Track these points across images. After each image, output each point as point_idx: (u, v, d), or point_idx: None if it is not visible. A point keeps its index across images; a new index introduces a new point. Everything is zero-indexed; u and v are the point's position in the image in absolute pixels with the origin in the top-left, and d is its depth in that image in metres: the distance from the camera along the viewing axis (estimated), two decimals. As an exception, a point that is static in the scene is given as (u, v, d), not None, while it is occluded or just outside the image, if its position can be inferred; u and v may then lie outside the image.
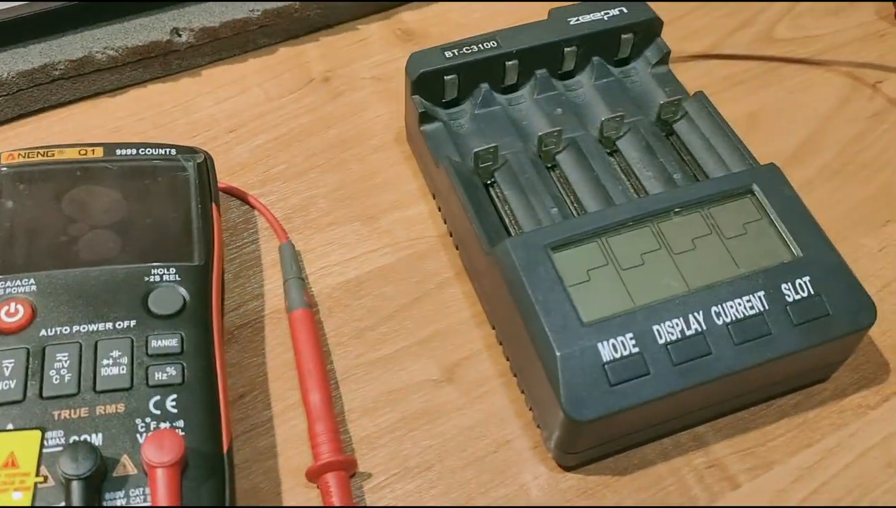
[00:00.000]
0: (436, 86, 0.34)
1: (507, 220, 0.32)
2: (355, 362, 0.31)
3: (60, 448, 0.24)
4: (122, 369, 0.26)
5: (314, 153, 0.38)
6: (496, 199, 0.32)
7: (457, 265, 0.34)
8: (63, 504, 0.23)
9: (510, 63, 0.34)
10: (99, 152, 0.31)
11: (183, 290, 0.28)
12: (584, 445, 0.28)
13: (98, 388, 0.25)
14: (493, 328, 0.31)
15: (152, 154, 0.32)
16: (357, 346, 0.32)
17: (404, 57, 0.40)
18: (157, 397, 0.25)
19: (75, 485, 0.23)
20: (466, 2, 0.44)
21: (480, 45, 0.34)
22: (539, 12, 0.36)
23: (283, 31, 0.42)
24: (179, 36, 0.39)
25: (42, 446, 0.24)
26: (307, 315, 0.31)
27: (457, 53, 0.34)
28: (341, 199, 0.36)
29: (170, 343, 0.26)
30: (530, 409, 0.29)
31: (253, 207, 0.35)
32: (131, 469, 0.24)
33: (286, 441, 0.29)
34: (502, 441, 0.29)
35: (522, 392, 0.30)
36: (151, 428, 0.25)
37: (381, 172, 0.37)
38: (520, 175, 0.32)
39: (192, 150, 0.33)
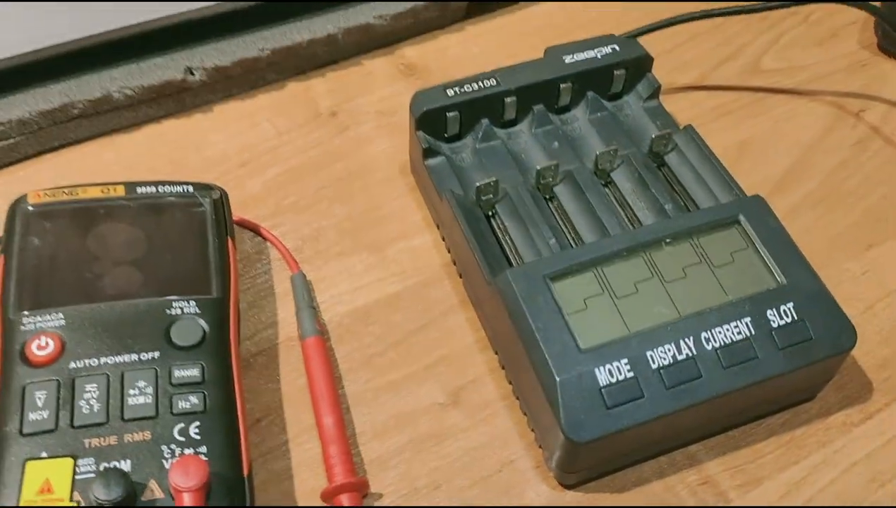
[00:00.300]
0: (438, 122, 0.36)
1: (507, 250, 0.33)
2: (365, 387, 0.33)
3: (92, 475, 0.26)
4: (148, 398, 0.27)
5: (323, 185, 0.39)
6: (497, 230, 0.34)
7: (460, 293, 0.35)
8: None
9: (509, 99, 0.36)
10: (120, 190, 0.33)
11: (203, 322, 0.29)
12: (583, 465, 0.29)
13: (125, 417, 0.27)
14: (496, 353, 0.33)
15: (171, 191, 0.33)
16: (366, 372, 0.33)
17: (407, 91, 0.42)
18: (182, 424, 0.27)
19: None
20: (465, 24, 0.46)
21: (480, 83, 0.36)
22: (534, 48, 0.38)
23: (291, 68, 0.43)
24: (193, 74, 0.41)
25: (74, 473, 0.26)
26: (319, 342, 0.33)
27: (458, 91, 0.36)
28: (349, 230, 0.38)
29: (192, 372, 0.28)
30: (532, 430, 0.31)
31: (265, 239, 0.37)
32: (159, 494, 0.26)
33: (301, 464, 0.31)
34: (506, 462, 0.31)
35: (525, 414, 0.31)
36: (177, 454, 0.26)
37: (387, 204, 0.39)
38: (519, 207, 0.34)
39: (208, 187, 0.34)
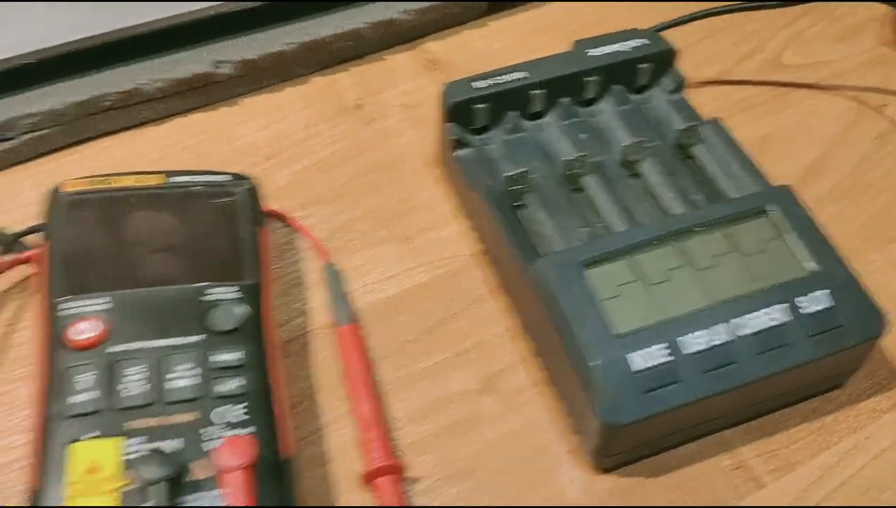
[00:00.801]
0: (467, 114, 0.36)
1: (538, 240, 0.34)
2: (398, 374, 0.33)
3: (139, 455, 0.26)
4: (191, 381, 0.28)
5: (350, 178, 0.40)
6: (527, 220, 0.34)
7: (491, 282, 0.36)
8: (144, 506, 0.25)
9: (537, 92, 0.37)
10: (156, 179, 0.33)
11: (242, 307, 0.30)
12: (618, 449, 0.30)
13: (170, 399, 0.27)
14: (529, 341, 0.33)
15: (205, 180, 0.34)
16: (399, 359, 0.33)
17: (431, 85, 0.43)
18: (225, 407, 0.27)
19: (154, 489, 0.25)
20: (494, 19, 0.46)
21: (509, 76, 0.37)
22: (555, 43, 0.39)
23: (317, 62, 0.44)
24: (221, 68, 0.41)
25: (121, 453, 0.26)
26: (354, 329, 0.33)
27: (487, 84, 0.37)
28: (378, 221, 0.38)
29: (233, 356, 0.28)
30: (567, 416, 0.31)
31: (295, 229, 0.37)
32: (204, 474, 0.26)
33: (336, 449, 0.31)
34: (540, 447, 0.31)
35: (559, 400, 0.32)
36: (221, 436, 0.27)
37: (415, 195, 0.39)
38: (549, 197, 0.34)
39: (240, 177, 0.35)
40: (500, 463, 0.31)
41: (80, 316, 0.29)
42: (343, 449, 0.31)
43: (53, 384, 0.27)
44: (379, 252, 0.37)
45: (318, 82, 0.44)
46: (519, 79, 0.37)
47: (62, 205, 0.32)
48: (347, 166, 0.40)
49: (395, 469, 0.29)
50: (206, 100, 0.42)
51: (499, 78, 0.37)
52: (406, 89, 0.44)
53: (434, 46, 0.46)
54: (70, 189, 0.32)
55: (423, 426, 0.31)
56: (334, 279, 0.35)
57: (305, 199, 0.39)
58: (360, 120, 0.42)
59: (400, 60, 0.45)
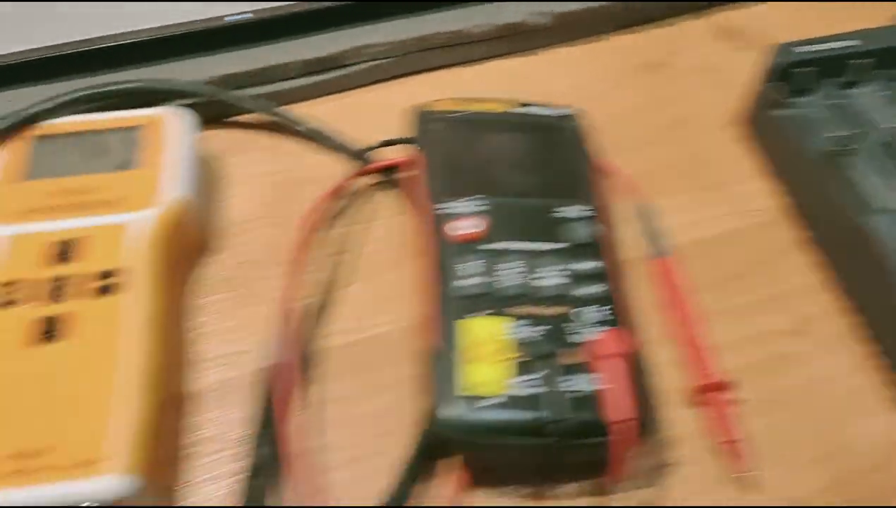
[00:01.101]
0: (786, 77, 0.38)
1: (866, 199, 0.35)
2: (708, 309, 0.35)
3: (522, 335, 0.30)
4: (559, 280, 0.31)
5: (649, 131, 0.42)
6: (851, 180, 0.36)
7: (799, 236, 0.37)
8: (536, 376, 0.29)
9: (863, 61, 0.38)
10: (508, 106, 0.37)
11: (596, 224, 0.33)
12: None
13: (539, 295, 0.31)
14: (842, 293, 0.35)
15: (550, 112, 0.37)
16: (709, 296, 0.36)
17: (724, 51, 0.45)
18: (590, 307, 0.31)
19: (542, 362, 0.29)
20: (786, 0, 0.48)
21: (835, 44, 0.38)
22: (851, 20, 0.40)
23: (619, 22, 0.47)
24: (536, 19, 0.45)
25: (506, 332, 0.30)
26: (672, 261, 0.36)
27: (812, 49, 0.38)
28: (681, 172, 0.40)
29: (593, 265, 0.32)
30: (889, 367, 0.33)
31: (607, 171, 0.40)
32: (577, 359, 0.29)
33: (655, 367, 0.34)
34: (852, 391, 0.33)
35: (879, 351, 0.33)
36: (590, 333, 0.30)
37: (717, 150, 0.41)
38: (873, 160, 0.36)
39: (573, 112, 0.38)
40: (812, 401, 0.33)
41: (461, 215, 0.33)
42: (661, 368, 0.34)
43: (442, 270, 0.31)
44: (684, 199, 0.39)
45: (617, 41, 0.47)
46: (846, 47, 0.38)
47: (432, 121, 0.36)
48: (646, 121, 0.43)
49: (726, 387, 0.32)
50: (516, 48, 0.46)
51: (824, 45, 0.38)
52: (702, 53, 0.46)
53: (728, 15, 0.48)
54: (437, 108, 0.37)
55: (735, 357, 0.34)
56: (649, 215, 0.38)
57: (609, 148, 0.42)
58: (659, 79, 0.45)
59: (696, 26, 0.47)
